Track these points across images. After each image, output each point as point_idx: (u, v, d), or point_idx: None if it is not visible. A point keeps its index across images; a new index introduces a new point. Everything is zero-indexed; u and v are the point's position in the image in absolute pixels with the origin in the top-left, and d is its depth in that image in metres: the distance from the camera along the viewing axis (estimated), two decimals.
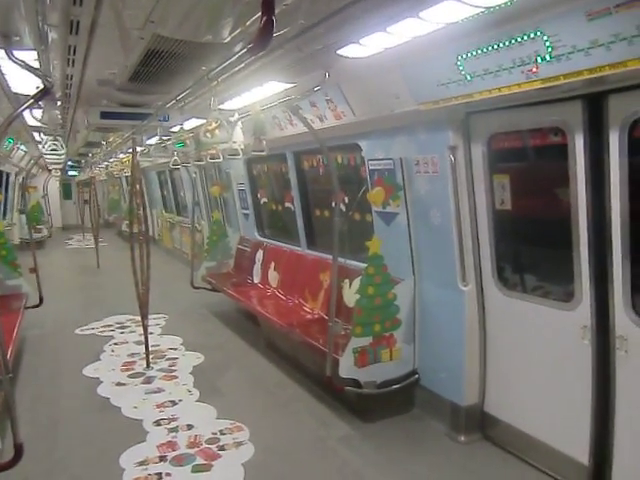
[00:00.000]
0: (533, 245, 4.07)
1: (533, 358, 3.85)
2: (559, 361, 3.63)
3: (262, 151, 5.59)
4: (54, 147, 8.39)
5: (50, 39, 3.45)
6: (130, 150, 7.18)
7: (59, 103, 5.90)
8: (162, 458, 4.14)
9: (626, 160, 3.03)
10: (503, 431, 4.14)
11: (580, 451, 3.49)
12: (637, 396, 3.15)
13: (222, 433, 4.50)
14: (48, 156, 10.59)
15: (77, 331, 7.72)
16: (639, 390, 3.14)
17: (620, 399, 3.26)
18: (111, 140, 10.04)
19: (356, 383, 4.48)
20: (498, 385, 4.21)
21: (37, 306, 7.37)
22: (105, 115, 6.02)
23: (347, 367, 4.38)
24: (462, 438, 4.28)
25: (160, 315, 8.13)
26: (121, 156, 12.58)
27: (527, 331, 3.88)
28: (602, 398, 3.35)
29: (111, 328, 7.81)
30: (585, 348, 3.40)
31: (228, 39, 3.54)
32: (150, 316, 6.39)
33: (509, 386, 4.10)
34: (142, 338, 6.23)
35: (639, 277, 3.12)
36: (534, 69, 2.95)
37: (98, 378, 5.86)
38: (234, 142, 6.38)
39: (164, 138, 7.55)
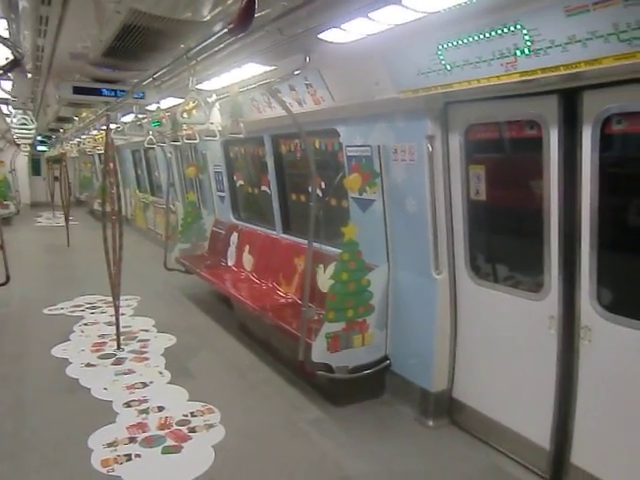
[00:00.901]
0: (506, 236, 4.14)
1: (501, 346, 3.94)
2: (526, 349, 3.72)
3: (239, 133, 5.54)
4: (23, 121, 8.15)
5: (21, 7, 3.33)
6: (104, 127, 7.04)
7: (29, 75, 5.72)
8: (132, 439, 4.13)
9: (597, 155, 3.10)
10: (470, 416, 4.24)
11: (542, 436, 3.60)
12: (598, 384, 3.26)
13: (193, 415, 4.51)
14: (17, 130, 10.30)
15: (45, 311, 7.60)
16: (600, 378, 3.25)
17: (582, 387, 3.37)
18: (84, 116, 9.81)
19: (328, 368, 4.52)
20: (467, 372, 4.30)
21: (3, 284, 7.19)
22: (77, 90, 5.86)
23: (319, 352, 4.42)
24: (430, 423, 4.37)
25: (132, 296, 8.04)
26: (94, 133, 12.30)
27: (497, 320, 3.96)
28: (565, 386, 3.45)
29: (81, 308, 7.71)
30: (551, 337, 3.50)
31: (208, 17, 3.47)
32: (122, 297, 6.33)
33: (477, 373, 4.19)
34: (113, 319, 6.16)
35: (606, 270, 3.20)
36: (513, 62, 2.98)
37: (67, 359, 5.79)
38: (211, 123, 6.30)
39: (140, 116, 7.40)
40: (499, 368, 3.97)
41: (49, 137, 16.93)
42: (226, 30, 3.32)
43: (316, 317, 4.90)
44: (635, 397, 3.04)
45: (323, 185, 5.75)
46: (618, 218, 3.27)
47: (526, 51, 2.88)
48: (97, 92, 5.97)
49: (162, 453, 3.96)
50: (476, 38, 3.06)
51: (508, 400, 3.90)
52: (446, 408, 4.41)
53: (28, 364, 5.70)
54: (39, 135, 15.44)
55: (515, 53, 2.93)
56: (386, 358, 4.77)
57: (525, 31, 2.81)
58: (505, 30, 2.89)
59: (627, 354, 3.06)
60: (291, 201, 6.70)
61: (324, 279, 5.22)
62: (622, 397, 3.12)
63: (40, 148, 20.30)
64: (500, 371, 3.96)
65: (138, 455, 3.92)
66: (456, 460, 3.90)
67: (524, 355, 3.75)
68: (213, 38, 3.59)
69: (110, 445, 4.05)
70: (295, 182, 6.66)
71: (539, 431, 3.62)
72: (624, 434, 3.11)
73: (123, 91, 5.98)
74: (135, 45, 4.23)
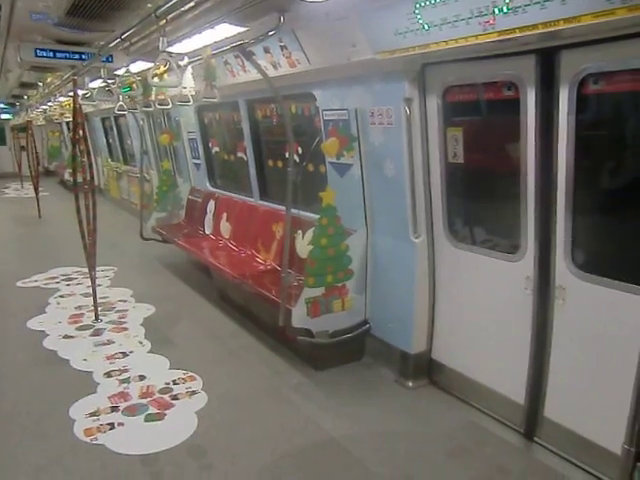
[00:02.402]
0: (483, 198, 4.16)
1: (479, 307, 4.01)
2: (502, 310, 3.80)
3: (213, 98, 5.40)
4: None
5: None
6: (71, 93, 6.79)
7: None
8: (114, 408, 4.13)
9: (574, 117, 3.10)
10: (448, 376, 4.34)
11: (517, 392, 3.72)
12: (571, 341, 3.36)
13: (175, 383, 4.52)
14: None
15: (19, 284, 7.46)
16: (573, 335, 3.34)
17: (556, 344, 3.47)
18: (49, 81, 9.47)
19: (309, 333, 4.56)
20: (445, 333, 4.37)
21: None
22: (40, 52, 5.62)
23: (300, 317, 4.44)
24: (410, 384, 4.46)
25: (108, 267, 7.93)
26: (61, 99, 11.90)
27: (474, 281, 4.02)
28: (540, 344, 3.55)
29: (56, 280, 7.59)
30: (527, 297, 3.57)
31: None
32: (98, 268, 6.25)
33: (455, 334, 4.27)
34: (90, 290, 6.09)
35: (580, 231, 3.26)
36: (491, 21, 2.94)
37: (44, 331, 5.72)
38: (184, 88, 6.14)
39: (109, 81, 7.17)
40: (476, 329, 4.04)
41: (13, 104, 16.34)
42: None
43: (295, 283, 4.92)
44: (606, 353, 3.15)
45: (300, 150, 5.68)
46: (593, 180, 3.29)
47: (504, 9, 2.83)
48: (61, 54, 5.73)
49: (145, 421, 3.97)
50: None
51: (485, 359, 4.00)
52: (425, 369, 4.49)
53: (4, 338, 5.61)
54: (1, 102, 14.88)
55: (493, 11, 2.88)
56: (366, 322, 4.82)
57: None
58: None
59: (599, 312, 3.15)
60: (268, 167, 6.61)
61: (302, 245, 5.21)
62: (594, 353, 3.22)
63: (3, 116, 19.61)
64: (477, 331, 4.04)
65: (121, 423, 3.93)
66: (435, 419, 3.99)
67: (501, 315, 3.82)
68: None
69: (92, 415, 4.04)
70: (271, 148, 6.56)
71: (514, 388, 3.73)
72: (595, 388, 3.22)
73: (90, 54, 5.76)
74: (100, 3, 4.04)
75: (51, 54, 5.62)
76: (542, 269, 3.47)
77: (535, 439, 3.63)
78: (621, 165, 3.24)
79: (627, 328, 2.99)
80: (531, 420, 3.65)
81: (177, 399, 4.27)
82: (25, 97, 13.24)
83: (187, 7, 3.57)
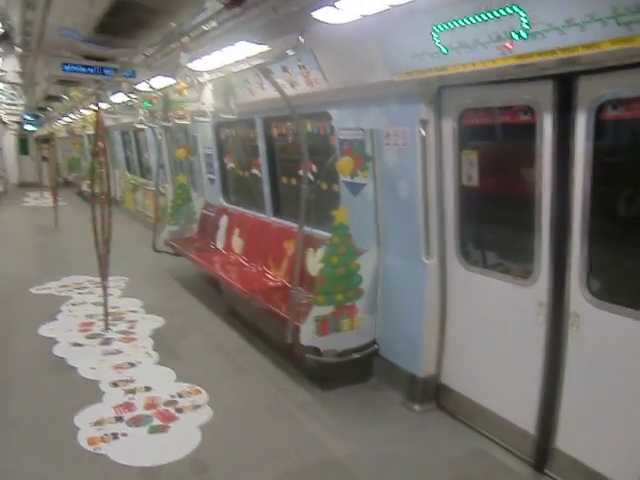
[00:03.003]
0: (496, 222, 4.14)
1: (489, 332, 3.95)
2: (514, 335, 3.74)
3: (232, 114, 5.49)
4: (12, 97, 8.02)
5: None
6: (93, 107, 6.93)
7: (19, 50, 5.62)
8: (119, 419, 4.12)
9: (591, 143, 3.08)
10: (457, 401, 4.26)
11: (527, 421, 3.63)
12: (585, 371, 3.28)
13: (180, 396, 4.51)
14: (4, 106, 10.14)
15: (33, 290, 7.54)
16: (587, 365, 3.27)
17: (569, 373, 3.39)
18: (73, 95, 9.68)
19: (316, 351, 4.52)
20: (455, 357, 4.31)
21: None
22: (67, 67, 5.77)
23: (308, 335, 4.41)
24: (417, 407, 4.39)
25: (120, 277, 7.98)
26: (84, 112, 12.14)
27: (486, 305, 3.97)
28: (552, 372, 3.47)
29: (69, 288, 7.65)
30: (540, 324, 3.51)
31: None
32: (110, 278, 6.29)
33: (465, 358, 4.21)
34: (101, 299, 6.12)
35: (596, 257, 3.21)
36: (509, 45, 2.95)
37: (54, 338, 5.76)
38: (203, 104, 6.24)
39: (131, 96, 7.31)
40: (487, 354, 3.98)
41: (37, 116, 16.70)
42: (221, 5, 3.29)
43: (305, 300, 4.89)
44: (621, 384, 3.07)
45: (314, 169, 5.71)
46: (609, 207, 3.27)
47: (523, 34, 2.85)
48: (87, 69, 5.88)
49: (149, 432, 3.95)
50: (473, 20, 3.02)
51: (495, 386, 3.93)
52: (433, 393, 4.43)
53: (15, 343, 5.67)
54: (27, 114, 15.21)
55: (512, 36, 2.90)
56: (374, 342, 4.78)
57: (522, 13, 2.78)
58: (502, 12, 2.86)
59: (615, 342, 3.08)
60: (282, 185, 6.66)
61: (313, 263, 5.21)
62: (608, 384, 3.14)
63: (28, 127, 20.02)
64: (488, 357, 3.98)
65: (125, 434, 3.92)
66: (442, 444, 3.92)
67: (512, 341, 3.76)
68: (207, 14, 3.54)
69: (97, 424, 4.04)
70: (286, 165, 6.61)
71: (524, 416, 3.65)
72: (609, 421, 3.14)
73: (114, 69, 5.90)
74: (126, 21, 4.18)
75: (78, 69, 5.77)
76: (556, 295, 3.41)
77: (546, 471, 3.53)
78: (639, 192, 3.20)
79: None
80: (542, 451, 3.55)
81: (182, 412, 4.25)
82: (49, 109, 13.52)
83: (209, 27, 3.65)
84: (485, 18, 2.96)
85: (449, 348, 4.35)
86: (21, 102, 8.58)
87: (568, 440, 3.41)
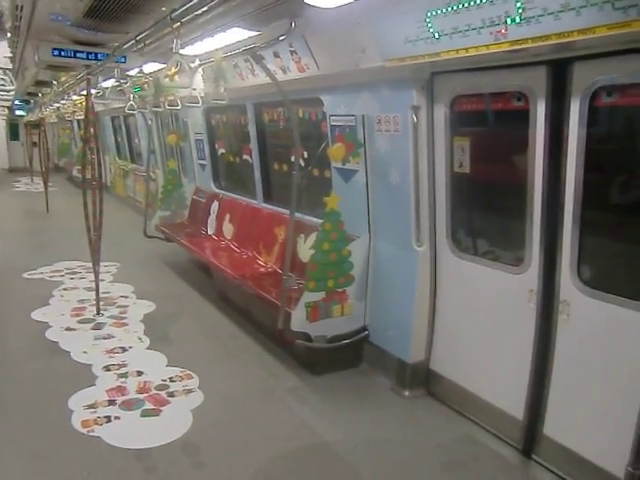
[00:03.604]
0: (488, 209, 4.15)
1: (480, 319, 3.97)
2: (504, 322, 3.76)
3: (222, 100, 5.44)
4: (2, 82, 7.92)
5: None
6: (83, 92, 6.85)
7: (9, 35, 5.55)
8: (111, 402, 4.15)
9: (585, 130, 3.07)
10: (446, 387, 4.30)
11: (516, 407, 3.66)
12: (574, 357, 3.31)
13: (172, 380, 4.53)
14: None
15: (25, 275, 7.53)
16: (576, 352, 3.29)
17: (558, 360, 3.41)
18: (63, 80, 9.57)
19: (307, 337, 4.55)
20: (445, 344, 4.34)
21: None
22: (57, 52, 5.71)
23: (299, 321, 4.43)
24: (407, 393, 4.42)
25: (112, 263, 7.96)
26: (74, 98, 12.00)
27: (477, 292, 3.99)
28: (541, 359, 3.49)
29: (61, 273, 7.65)
30: (530, 311, 3.52)
31: None
32: (101, 263, 6.27)
33: (455, 345, 4.24)
34: (93, 285, 6.13)
35: (587, 245, 3.22)
36: (503, 31, 2.93)
37: (47, 322, 5.78)
38: (194, 89, 6.18)
39: (121, 81, 7.23)
40: (477, 341, 4.01)
41: (27, 101, 16.51)
42: None
43: (296, 286, 4.91)
44: (610, 371, 3.09)
45: (306, 155, 5.70)
46: (602, 194, 3.25)
47: (517, 19, 2.82)
48: (77, 54, 5.82)
49: (141, 416, 3.98)
50: (466, 5, 2.99)
51: (484, 372, 3.96)
52: (423, 379, 4.46)
53: (8, 327, 5.69)
54: (17, 99, 15.04)
55: (506, 21, 2.88)
56: (364, 329, 4.80)
57: None
58: None
59: (604, 329, 3.10)
60: (273, 170, 6.64)
61: (304, 249, 5.22)
62: (597, 371, 3.16)
63: (18, 112, 19.81)
64: (478, 344, 4.00)
65: (117, 417, 3.95)
66: (431, 430, 3.95)
67: (502, 328, 3.78)
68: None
69: (90, 407, 4.07)
70: (277, 152, 6.59)
71: (513, 403, 3.68)
72: (598, 407, 3.17)
73: (104, 54, 5.83)
74: (116, 6, 4.11)
75: (67, 54, 5.71)
76: (546, 283, 3.43)
77: (533, 457, 3.56)
78: (632, 180, 3.19)
79: (632, 346, 2.94)
80: (530, 437, 3.58)
81: (173, 396, 4.27)
82: (39, 95, 13.36)
83: (201, 11, 3.60)
84: (479, 3, 2.93)
85: (439, 335, 4.37)
86: (12, 88, 8.46)
87: (556, 426, 3.44)
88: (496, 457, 3.63)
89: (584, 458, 3.22)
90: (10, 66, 7.48)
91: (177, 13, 3.85)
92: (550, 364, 3.45)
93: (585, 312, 3.21)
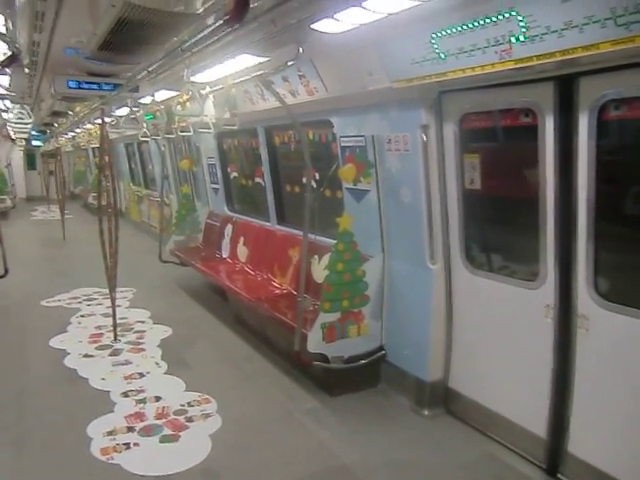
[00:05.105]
0: (501, 225, 4.15)
1: (497, 335, 3.94)
2: (522, 338, 3.73)
3: (233, 125, 5.53)
4: (21, 115, 8.12)
5: (17, 3, 3.32)
6: (98, 121, 6.99)
7: (26, 70, 5.70)
8: (130, 428, 4.16)
9: (594, 143, 3.08)
10: (466, 406, 4.25)
11: (538, 425, 3.61)
12: (595, 373, 3.26)
13: (190, 405, 4.53)
14: (14, 125, 10.25)
15: (43, 303, 7.63)
16: (597, 367, 3.25)
17: (579, 376, 3.37)
18: (78, 110, 9.77)
19: (324, 358, 4.54)
20: (462, 361, 4.31)
21: (2, 277, 7.19)
22: (72, 84, 5.85)
23: (315, 342, 4.43)
24: (426, 412, 4.38)
25: (128, 288, 8.03)
26: (88, 127, 12.25)
27: (492, 309, 3.97)
28: (562, 375, 3.45)
29: (78, 300, 7.73)
30: (548, 326, 3.50)
31: (201, 10, 3.46)
32: (118, 289, 6.33)
33: (473, 362, 4.21)
34: (109, 311, 6.19)
35: (603, 258, 3.20)
36: (508, 49, 2.97)
37: (65, 350, 5.83)
38: (205, 115, 6.29)
39: (134, 109, 7.38)
40: (495, 357, 3.98)
41: (44, 132, 16.84)
42: (221, 22, 3.32)
43: (311, 308, 4.91)
44: (632, 386, 3.05)
45: (317, 176, 5.75)
46: (615, 206, 3.26)
47: (521, 38, 2.86)
48: (91, 86, 5.95)
49: (160, 442, 3.98)
50: (470, 26, 3.04)
51: (504, 389, 3.92)
52: (442, 397, 4.42)
53: (28, 355, 5.76)
54: (33, 130, 15.36)
55: (510, 40, 2.92)
56: (381, 348, 4.78)
57: (520, 17, 2.79)
58: (500, 17, 2.87)
59: (624, 343, 3.07)
60: (285, 192, 6.69)
61: (319, 270, 5.23)
62: (619, 386, 3.12)
63: (35, 143, 20.20)
64: (496, 360, 3.97)
65: (136, 444, 3.95)
66: (452, 449, 3.91)
67: (520, 344, 3.75)
68: (207, 31, 3.58)
69: (109, 434, 4.09)
70: (289, 174, 6.64)
71: (535, 420, 3.63)
72: (621, 423, 3.12)
73: (117, 85, 5.96)
74: (129, 38, 4.20)
75: (82, 85, 5.84)
76: (563, 297, 3.41)
77: (558, 476, 3.50)
78: None
79: None
80: (554, 455, 3.52)
81: (192, 421, 4.27)
82: (55, 125, 13.64)
83: (210, 41, 3.68)
84: (483, 23, 2.98)
85: (456, 352, 4.35)
86: (29, 120, 8.65)
87: (580, 444, 3.38)
88: (520, 477, 3.57)
89: (611, 476, 3.15)
90: (27, 100, 7.66)
91: (187, 44, 3.94)
92: (571, 379, 3.41)
93: (604, 326, 3.17)
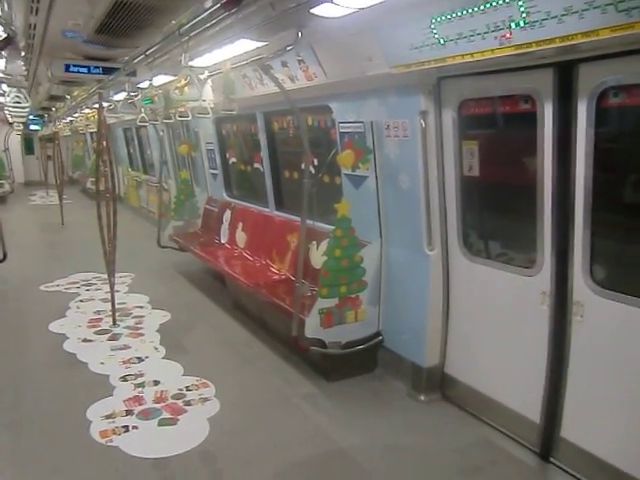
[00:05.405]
0: (499, 212, 4.15)
1: (493, 322, 3.97)
2: (518, 325, 3.76)
3: (232, 110, 5.50)
4: (17, 99, 8.07)
5: None
6: (96, 105, 6.95)
7: (22, 54, 5.66)
8: (129, 412, 4.20)
9: (593, 130, 3.07)
10: (462, 391, 4.29)
11: (532, 410, 3.64)
12: (589, 359, 3.29)
13: (188, 389, 4.57)
14: (11, 109, 10.19)
15: (42, 287, 7.66)
16: (592, 353, 3.28)
17: (573, 362, 3.40)
18: (75, 94, 9.71)
19: (321, 343, 4.56)
20: (459, 347, 4.34)
21: (0, 262, 7.21)
22: (69, 68, 5.81)
23: (313, 327, 4.45)
24: (422, 397, 4.42)
25: (126, 273, 8.04)
26: (86, 111, 12.18)
27: (489, 295, 3.99)
28: (556, 361, 3.48)
29: (77, 285, 7.75)
30: (543, 313, 3.51)
31: None
32: (116, 274, 6.33)
33: (469, 348, 4.24)
34: (108, 296, 6.21)
35: (599, 246, 3.21)
36: (507, 35, 2.95)
37: (64, 334, 5.86)
38: (204, 100, 6.25)
39: (132, 94, 7.33)
40: (491, 343, 4.01)
41: (41, 116, 16.74)
42: (219, 5, 3.29)
43: (309, 293, 4.93)
44: (625, 372, 3.08)
45: (316, 162, 5.73)
46: (612, 194, 3.26)
47: (521, 23, 2.84)
48: (89, 70, 5.91)
49: (158, 425, 4.03)
50: (470, 11, 3.02)
51: (499, 375, 3.95)
52: (438, 383, 4.46)
53: (27, 339, 5.79)
54: (31, 114, 15.27)
55: (510, 26, 2.90)
56: (379, 334, 4.81)
57: (520, 2, 2.77)
58: (500, 2, 2.85)
59: (619, 330, 3.09)
60: (284, 178, 6.68)
61: (317, 256, 5.24)
62: (613, 372, 3.15)
63: (33, 127, 20.09)
64: (492, 346, 4.00)
65: (135, 427, 4.00)
66: (447, 434, 3.95)
67: (516, 331, 3.78)
68: (205, 14, 3.55)
69: (108, 417, 4.13)
70: (288, 159, 6.63)
71: (530, 405, 3.66)
72: (614, 409, 3.15)
73: (115, 69, 5.92)
74: (127, 22, 4.18)
75: (79, 69, 5.81)
76: (559, 284, 3.42)
77: (551, 460, 3.55)
78: None
79: None
80: (547, 440, 3.56)
81: (190, 405, 4.31)
82: (53, 109, 13.56)
83: (208, 24, 3.65)
84: (483, 8, 2.96)
85: (453, 338, 4.37)
86: (26, 104, 8.60)
87: (573, 429, 3.42)
88: (514, 461, 3.61)
89: (603, 461, 3.19)
90: (24, 83, 7.61)
91: (185, 28, 3.91)
92: (565, 366, 3.44)
93: (599, 313, 3.19)
